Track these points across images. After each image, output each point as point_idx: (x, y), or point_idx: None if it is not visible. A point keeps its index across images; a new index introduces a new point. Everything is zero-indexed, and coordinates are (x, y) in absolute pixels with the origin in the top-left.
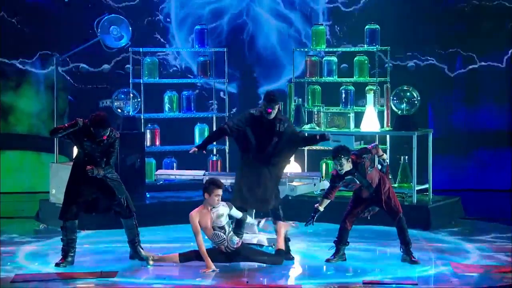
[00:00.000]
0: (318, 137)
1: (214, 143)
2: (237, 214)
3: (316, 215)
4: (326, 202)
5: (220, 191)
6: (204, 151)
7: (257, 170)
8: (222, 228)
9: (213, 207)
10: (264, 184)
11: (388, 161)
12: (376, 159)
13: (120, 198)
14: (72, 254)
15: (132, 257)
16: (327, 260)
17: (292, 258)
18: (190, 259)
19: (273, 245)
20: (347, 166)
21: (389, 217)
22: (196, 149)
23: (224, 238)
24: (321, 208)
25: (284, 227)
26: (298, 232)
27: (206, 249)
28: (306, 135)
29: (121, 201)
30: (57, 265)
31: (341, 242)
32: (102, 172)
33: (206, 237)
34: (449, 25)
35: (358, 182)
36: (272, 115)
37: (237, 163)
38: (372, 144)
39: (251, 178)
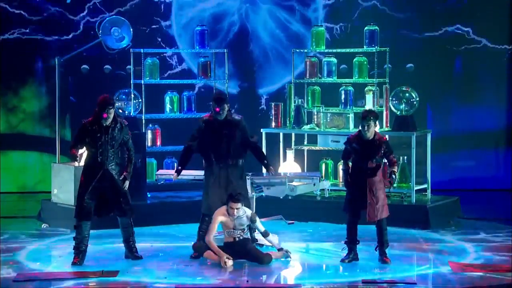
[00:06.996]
0: (264, 164)
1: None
2: (261, 228)
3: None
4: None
5: (236, 205)
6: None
7: (221, 175)
8: (242, 230)
9: (237, 217)
10: (230, 187)
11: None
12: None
13: (125, 193)
14: (84, 254)
15: (127, 257)
16: (342, 261)
17: (289, 255)
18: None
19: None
20: (372, 129)
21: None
22: (177, 175)
23: (237, 231)
24: (350, 163)
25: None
26: (298, 232)
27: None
28: (258, 149)
29: (127, 197)
30: (73, 264)
31: (351, 240)
32: (129, 176)
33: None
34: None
35: (383, 160)
36: (222, 115)
37: (204, 171)
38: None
39: (217, 186)
